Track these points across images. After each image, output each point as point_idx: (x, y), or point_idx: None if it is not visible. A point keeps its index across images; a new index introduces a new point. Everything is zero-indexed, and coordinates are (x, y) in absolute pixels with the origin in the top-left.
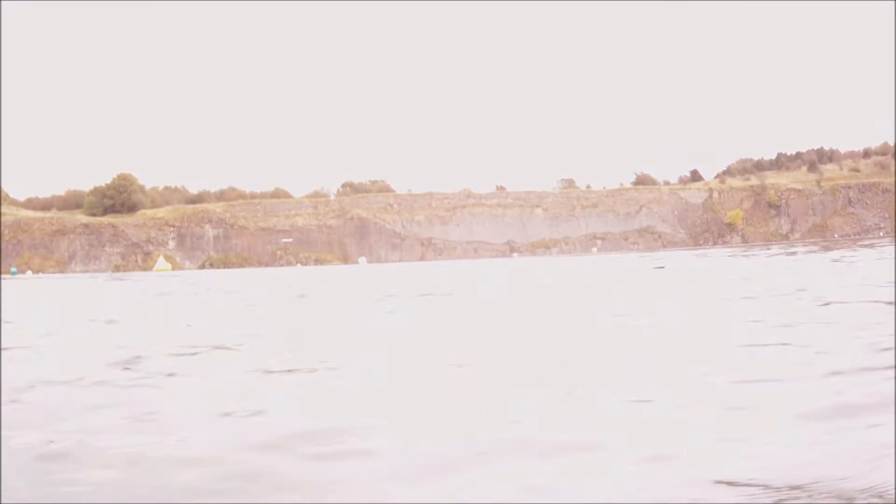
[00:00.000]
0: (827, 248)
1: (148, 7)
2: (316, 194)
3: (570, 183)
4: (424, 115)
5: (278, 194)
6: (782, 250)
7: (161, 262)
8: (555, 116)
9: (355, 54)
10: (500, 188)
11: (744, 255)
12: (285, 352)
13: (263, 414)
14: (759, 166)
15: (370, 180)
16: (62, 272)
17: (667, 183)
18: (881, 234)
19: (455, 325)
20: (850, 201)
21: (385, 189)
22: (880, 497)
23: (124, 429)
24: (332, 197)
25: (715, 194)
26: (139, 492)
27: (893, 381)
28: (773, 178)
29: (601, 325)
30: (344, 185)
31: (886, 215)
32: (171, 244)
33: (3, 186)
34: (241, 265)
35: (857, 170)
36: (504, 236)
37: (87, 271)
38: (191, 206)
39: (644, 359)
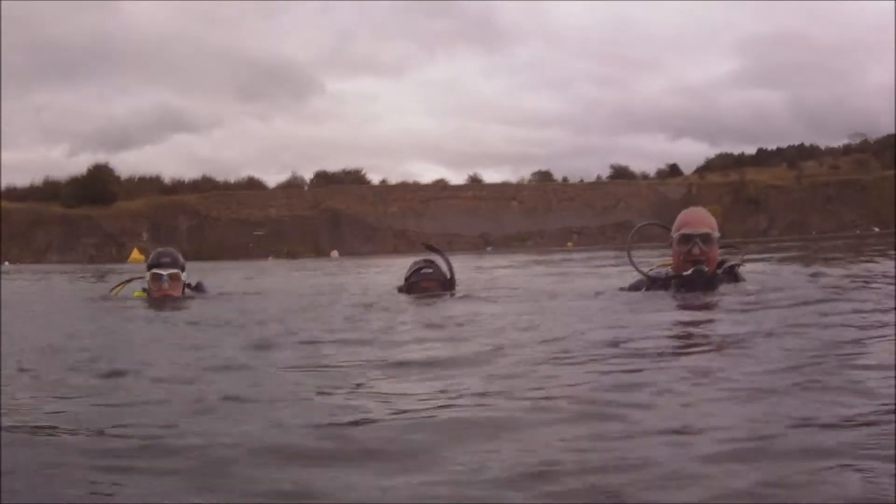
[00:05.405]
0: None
1: None
2: (289, 184)
3: (545, 176)
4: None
5: (252, 185)
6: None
7: (135, 255)
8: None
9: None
10: (476, 180)
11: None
12: None
13: None
14: (740, 162)
15: (344, 170)
16: (38, 262)
17: (645, 177)
18: (857, 231)
19: None
20: (829, 198)
21: (359, 180)
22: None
23: None
24: (306, 187)
25: (694, 189)
26: None
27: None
28: (752, 175)
29: None
30: (318, 175)
31: (864, 212)
32: (145, 236)
33: None
34: (213, 258)
35: (836, 167)
36: (478, 229)
37: (63, 262)
38: (166, 196)
39: None
